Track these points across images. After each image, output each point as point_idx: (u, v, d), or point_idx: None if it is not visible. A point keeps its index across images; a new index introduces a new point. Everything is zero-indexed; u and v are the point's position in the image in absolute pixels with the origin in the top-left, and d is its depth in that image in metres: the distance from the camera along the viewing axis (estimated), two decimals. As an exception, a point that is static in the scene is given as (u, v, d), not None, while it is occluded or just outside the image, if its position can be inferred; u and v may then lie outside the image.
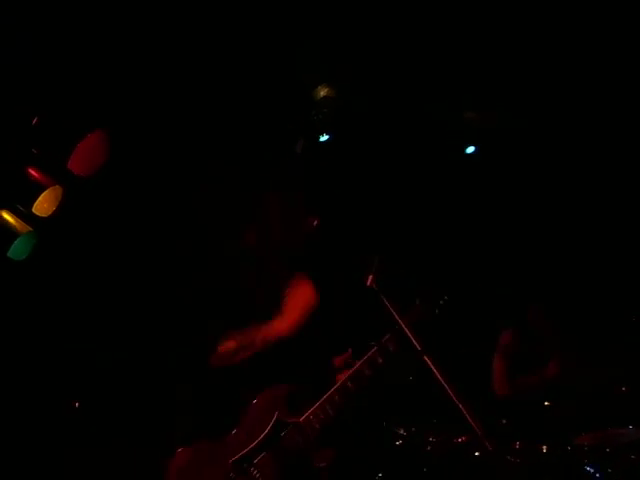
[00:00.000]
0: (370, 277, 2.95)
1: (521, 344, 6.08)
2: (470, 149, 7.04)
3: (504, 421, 5.48)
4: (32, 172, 4.98)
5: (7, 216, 4.98)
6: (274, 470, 3.38)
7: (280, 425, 3.42)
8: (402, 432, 5.32)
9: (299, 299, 3.58)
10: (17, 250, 5.01)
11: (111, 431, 5.38)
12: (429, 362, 2.76)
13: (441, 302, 3.49)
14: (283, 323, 3.58)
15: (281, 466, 3.39)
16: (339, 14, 5.64)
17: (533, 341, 6.03)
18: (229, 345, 3.51)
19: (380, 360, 3.42)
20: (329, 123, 6.36)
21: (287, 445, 3.39)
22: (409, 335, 2.85)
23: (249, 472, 3.37)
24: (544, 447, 4.95)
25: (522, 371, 5.94)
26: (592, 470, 4.79)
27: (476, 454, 4.80)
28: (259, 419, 3.44)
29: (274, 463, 3.37)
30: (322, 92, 6.18)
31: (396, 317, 2.89)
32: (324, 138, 6.44)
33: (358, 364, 3.45)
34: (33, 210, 4.97)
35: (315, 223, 3.37)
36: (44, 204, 5.01)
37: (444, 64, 6.21)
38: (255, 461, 3.38)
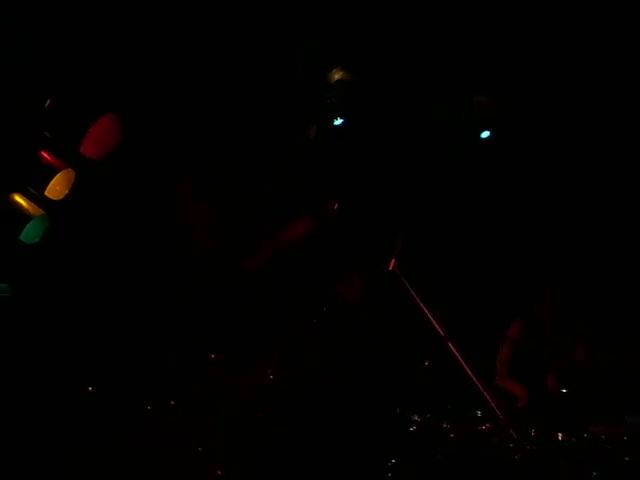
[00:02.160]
0: (392, 261, 2.91)
1: (528, 336, 6.06)
2: (485, 134, 6.99)
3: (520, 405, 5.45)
4: (45, 155, 4.96)
5: (20, 199, 4.96)
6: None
7: None
8: (416, 418, 5.29)
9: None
10: (29, 233, 4.99)
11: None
12: (453, 348, 2.73)
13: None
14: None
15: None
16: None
17: (540, 334, 6.00)
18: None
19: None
20: (343, 107, 6.32)
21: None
22: (432, 321, 2.81)
23: None
24: (560, 434, 4.92)
25: (527, 362, 5.91)
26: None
27: (494, 441, 4.77)
28: None
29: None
30: (336, 76, 6.13)
31: (418, 301, 2.85)
32: (338, 122, 6.39)
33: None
34: (46, 193, 4.96)
35: (335, 206, 3.33)
36: (56, 187, 5.00)
37: (457, 50, 6.17)
38: None
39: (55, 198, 5.01)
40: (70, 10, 4.99)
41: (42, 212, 5.02)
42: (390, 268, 2.96)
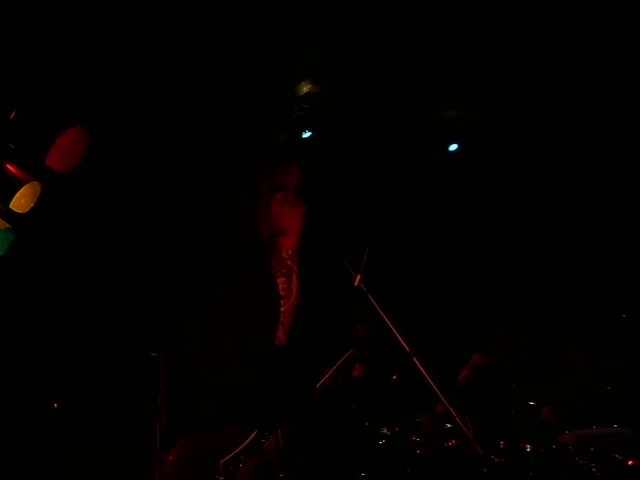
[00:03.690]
0: (358, 277, 2.91)
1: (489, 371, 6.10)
2: (453, 147, 7.04)
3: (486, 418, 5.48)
4: (10, 168, 4.89)
5: (-16, 212, 4.89)
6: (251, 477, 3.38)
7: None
8: (385, 431, 5.29)
9: None
10: (-6, 247, 4.93)
11: (97, 433, 5.31)
12: (418, 364, 2.73)
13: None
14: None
15: (257, 474, 3.38)
16: (323, 12, 5.61)
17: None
18: None
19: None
20: (311, 120, 6.33)
21: (265, 453, 3.36)
22: (398, 337, 2.81)
23: (234, 476, 3.34)
24: (528, 446, 4.94)
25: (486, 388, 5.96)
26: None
27: (462, 454, 4.77)
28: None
29: (252, 470, 3.35)
30: (305, 88, 6.14)
31: (385, 319, 2.85)
32: (306, 135, 6.41)
33: (329, 372, 3.41)
34: (10, 206, 4.88)
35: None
36: (22, 200, 4.93)
37: (427, 60, 6.20)
38: (240, 465, 3.34)
39: (20, 211, 4.94)
40: (35, 20, 4.95)
41: (7, 225, 4.95)
42: (355, 284, 2.95)
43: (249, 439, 3.32)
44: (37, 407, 5.45)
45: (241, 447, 3.32)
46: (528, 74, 6.25)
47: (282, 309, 3.43)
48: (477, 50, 6.06)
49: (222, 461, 3.30)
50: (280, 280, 3.47)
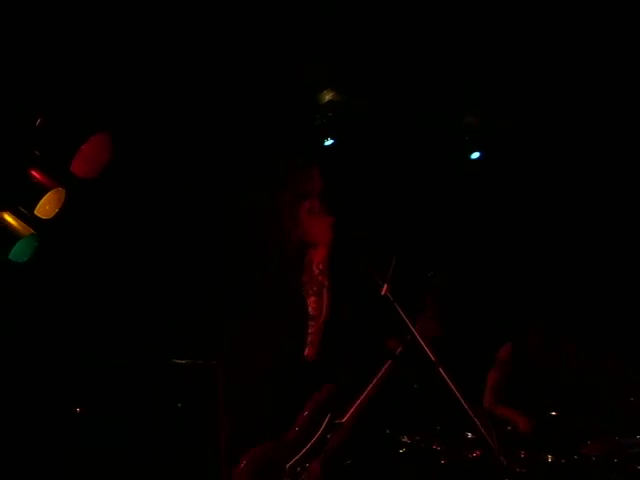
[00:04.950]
0: (385, 286, 2.91)
1: (518, 358, 6.06)
2: (475, 155, 7.03)
3: (509, 428, 5.46)
4: (34, 174, 4.92)
5: (9, 218, 4.92)
6: (320, 476, 3.38)
7: (330, 427, 3.39)
8: (406, 440, 5.28)
9: None
10: (19, 252, 4.95)
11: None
12: (443, 374, 2.73)
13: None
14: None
15: (325, 471, 3.39)
16: (343, 19, 5.63)
17: (530, 356, 5.99)
18: None
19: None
20: (334, 128, 6.35)
21: (330, 448, 3.37)
22: (423, 346, 2.81)
23: (301, 477, 3.36)
24: (550, 457, 4.91)
25: (515, 386, 5.91)
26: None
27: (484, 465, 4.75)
28: (314, 418, 3.40)
29: (321, 469, 3.36)
30: (327, 96, 6.15)
31: (410, 328, 2.85)
32: (328, 143, 6.42)
33: (379, 375, 3.41)
34: (35, 212, 4.91)
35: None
36: (46, 206, 4.95)
37: (447, 69, 6.20)
38: (307, 465, 3.35)
39: (45, 217, 4.97)
40: (59, 28, 4.99)
41: (32, 231, 4.98)
42: (382, 293, 2.96)
43: (312, 441, 3.33)
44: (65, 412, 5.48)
45: (305, 449, 3.34)
46: (550, 81, 6.24)
47: (311, 330, 3.43)
48: (499, 57, 6.06)
49: (288, 465, 3.32)
50: (311, 300, 3.45)
